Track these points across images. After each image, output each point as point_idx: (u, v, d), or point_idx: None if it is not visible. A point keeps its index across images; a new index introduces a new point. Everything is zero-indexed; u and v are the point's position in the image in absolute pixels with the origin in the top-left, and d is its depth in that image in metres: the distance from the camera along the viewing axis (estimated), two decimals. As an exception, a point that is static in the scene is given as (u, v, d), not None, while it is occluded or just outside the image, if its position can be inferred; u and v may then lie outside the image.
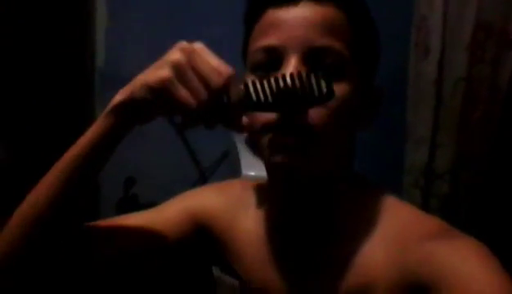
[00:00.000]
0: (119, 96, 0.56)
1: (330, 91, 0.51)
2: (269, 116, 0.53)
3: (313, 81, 0.51)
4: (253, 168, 1.28)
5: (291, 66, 0.53)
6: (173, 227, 0.66)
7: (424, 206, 1.52)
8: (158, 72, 0.52)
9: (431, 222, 0.57)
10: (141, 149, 1.74)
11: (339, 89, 0.53)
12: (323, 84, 0.51)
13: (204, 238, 0.68)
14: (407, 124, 1.56)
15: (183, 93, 0.49)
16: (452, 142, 1.48)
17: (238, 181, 0.75)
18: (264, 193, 0.68)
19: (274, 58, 0.55)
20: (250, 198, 0.69)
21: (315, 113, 0.53)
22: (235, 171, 1.38)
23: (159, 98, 0.51)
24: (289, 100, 0.51)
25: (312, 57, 0.54)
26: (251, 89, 0.51)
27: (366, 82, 0.59)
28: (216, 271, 0.73)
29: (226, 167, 1.66)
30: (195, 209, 0.68)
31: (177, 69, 0.50)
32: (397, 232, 0.57)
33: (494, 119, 1.43)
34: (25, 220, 0.57)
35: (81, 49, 1.65)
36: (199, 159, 1.67)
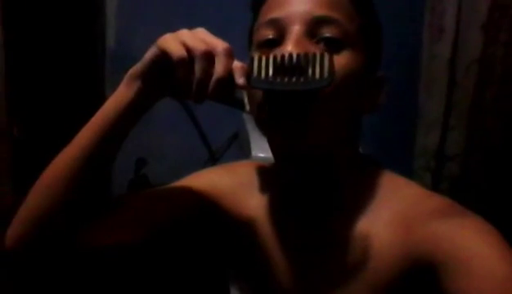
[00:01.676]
0: (148, 54, 0.59)
1: (331, 75, 0.50)
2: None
3: (316, 62, 0.51)
4: (263, 150, 1.28)
5: (293, 39, 0.54)
6: (180, 205, 0.67)
7: (435, 189, 1.51)
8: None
9: (437, 200, 0.57)
10: (151, 131, 1.75)
11: (341, 59, 0.55)
12: (326, 66, 0.50)
13: (212, 217, 0.69)
14: (419, 106, 1.55)
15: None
16: (464, 124, 1.46)
17: (246, 162, 0.76)
18: (271, 174, 0.69)
19: (277, 32, 0.56)
20: (257, 179, 0.70)
21: None
22: (245, 153, 1.38)
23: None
24: (288, 81, 0.51)
25: (313, 28, 0.55)
26: (255, 65, 0.51)
27: (371, 61, 0.60)
28: (231, 274, 0.73)
29: (236, 149, 1.66)
30: (203, 188, 0.69)
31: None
32: (402, 210, 0.57)
33: (507, 101, 1.41)
34: (54, 180, 0.58)
35: (92, 29, 1.65)
36: (210, 141, 1.67)
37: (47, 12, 1.38)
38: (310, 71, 0.51)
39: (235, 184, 0.70)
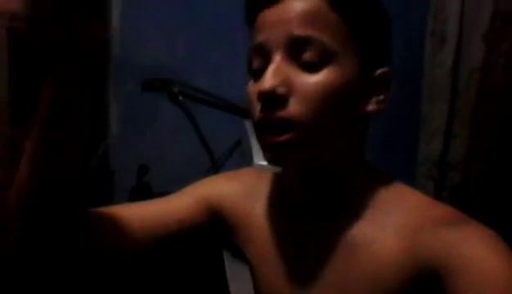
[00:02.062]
0: None
1: None
2: (255, 114, 0.57)
3: None
4: (266, 158, 1.28)
5: (271, 70, 0.55)
6: (188, 214, 0.68)
7: (437, 197, 1.51)
8: None
9: (442, 209, 0.57)
10: (154, 138, 1.75)
11: (321, 77, 0.54)
12: None
13: (216, 223, 0.70)
14: (422, 115, 1.55)
15: None
16: (466, 132, 1.46)
17: (250, 170, 0.76)
18: (276, 181, 0.69)
19: (263, 59, 0.57)
20: (262, 186, 0.70)
21: (293, 106, 0.54)
22: (247, 161, 1.38)
23: None
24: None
25: (293, 50, 0.55)
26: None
27: (368, 66, 0.59)
28: (227, 256, 0.74)
29: (238, 157, 1.66)
30: (208, 196, 0.70)
31: None
32: (408, 219, 0.57)
33: (508, 109, 1.41)
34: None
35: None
36: (212, 148, 1.67)
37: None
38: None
39: (239, 191, 0.70)
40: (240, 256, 0.70)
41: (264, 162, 1.27)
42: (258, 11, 0.59)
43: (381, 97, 0.60)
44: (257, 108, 0.56)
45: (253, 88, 0.58)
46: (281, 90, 0.54)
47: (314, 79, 0.54)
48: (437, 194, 1.52)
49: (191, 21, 1.71)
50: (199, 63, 1.69)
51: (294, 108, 0.54)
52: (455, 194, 1.48)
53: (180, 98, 1.41)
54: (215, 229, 0.70)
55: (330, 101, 0.55)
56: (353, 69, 0.56)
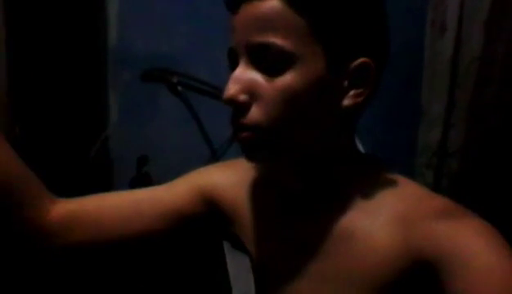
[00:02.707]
0: None
1: None
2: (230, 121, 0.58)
3: None
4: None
5: (236, 71, 0.56)
6: (183, 202, 0.69)
7: (437, 185, 1.51)
8: None
9: (437, 200, 0.57)
10: (153, 128, 1.75)
11: (281, 82, 0.54)
12: None
13: (213, 213, 0.70)
14: (422, 103, 1.55)
15: None
16: (465, 121, 1.46)
17: (244, 159, 0.76)
18: (272, 171, 0.69)
19: (234, 61, 0.58)
20: (257, 176, 0.70)
21: (253, 113, 0.55)
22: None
23: None
24: None
25: (253, 56, 0.55)
26: None
27: (339, 61, 0.56)
28: (226, 247, 0.74)
29: (237, 147, 1.66)
30: (204, 185, 0.70)
31: None
32: (403, 210, 0.57)
33: (507, 98, 1.41)
34: None
35: (93, 29, 1.65)
36: (212, 139, 1.67)
37: (49, 11, 1.38)
38: None
39: (235, 181, 0.71)
40: (240, 246, 0.70)
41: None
42: (231, 12, 0.59)
43: (360, 90, 0.57)
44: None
45: None
46: (242, 97, 0.55)
47: (274, 84, 0.54)
48: (437, 183, 1.52)
49: (191, 10, 1.70)
50: (198, 53, 1.69)
51: (253, 114, 0.55)
52: (453, 182, 1.49)
53: (179, 88, 1.41)
54: (212, 219, 0.71)
55: (290, 104, 0.54)
56: (318, 66, 0.54)
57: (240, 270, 0.71)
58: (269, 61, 0.54)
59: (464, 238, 0.50)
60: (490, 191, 1.43)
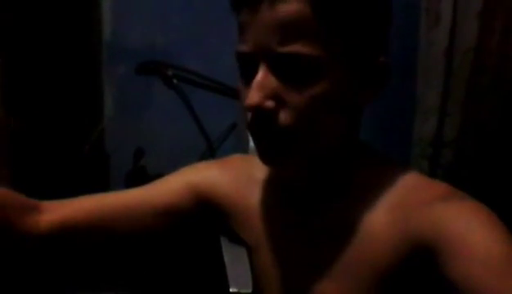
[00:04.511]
0: None
1: None
2: (247, 120, 0.56)
3: None
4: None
5: (259, 77, 0.53)
6: (175, 200, 0.69)
7: (432, 176, 1.52)
8: None
9: (436, 186, 0.58)
10: (149, 121, 1.75)
11: (312, 90, 0.53)
12: None
13: (208, 209, 0.70)
14: (417, 94, 1.55)
15: None
16: (460, 111, 1.46)
17: (239, 156, 0.76)
18: (269, 168, 0.69)
19: (250, 64, 0.54)
20: (256, 172, 0.70)
21: (284, 120, 0.54)
22: (242, 143, 1.38)
23: None
24: None
25: (278, 64, 0.53)
26: None
27: (360, 62, 0.56)
28: (224, 241, 0.74)
29: (234, 139, 1.66)
30: (197, 183, 0.70)
31: None
32: (401, 196, 0.57)
33: (501, 89, 1.41)
34: None
35: (87, 22, 1.64)
36: (208, 131, 1.67)
37: (43, 5, 1.37)
38: None
39: (231, 179, 0.70)
40: (238, 240, 0.71)
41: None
42: (241, 9, 0.55)
43: (376, 88, 0.58)
44: (248, 115, 0.55)
45: (243, 92, 0.56)
46: (269, 104, 0.53)
47: (303, 92, 0.53)
48: (432, 173, 1.53)
49: (185, 3, 1.69)
50: (193, 45, 1.68)
51: (283, 120, 0.54)
52: (449, 172, 1.50)
53: (174, 81, 1.40)
54: (206, 216, 0.71)
55: (319, 109, 0.54)
56: (343, 70, 0.54)
57: (237, 265, 0.71)
58: (296, 71, 0.52)
59: (462, 222, 0.50)
60: (485, 181, 1.43)
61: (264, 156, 0.57)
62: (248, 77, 0.55)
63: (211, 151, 1.67)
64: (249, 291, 0.68)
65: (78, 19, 1.56)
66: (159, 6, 1.67)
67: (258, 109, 0.53)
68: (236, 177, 0.70)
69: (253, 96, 0.52)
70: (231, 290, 0.69)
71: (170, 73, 1.41)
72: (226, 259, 0.72)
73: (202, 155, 1.63)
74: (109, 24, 1.72)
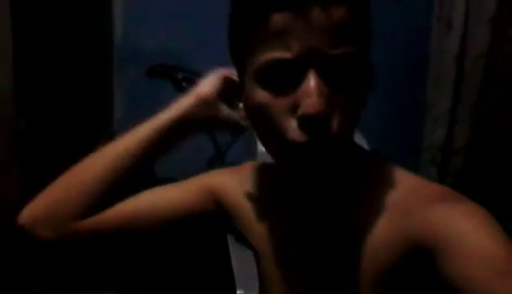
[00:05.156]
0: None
1: None
2: (296, 135, 0.52)
3: None
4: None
5: (313, 83, 0.50)
6: (194, 202, 0.70)
7: (441, 183, 1.51)
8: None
9: (433, 187, 0.58)
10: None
11: (354, 95, 0.53)
12: None
13: (219, 210, 0.71)
14: (427, 101, 1.54)
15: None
16: (471, 118, 1.46)
17: (250, 163, 0.78)
18: (275, 173, 0.70)
19: (291, 71, 0.51)
20: (263, 179, 0.71)
21: (335, 127, 0.52)
22: (250, 148, 1.38)
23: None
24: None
25: (329, 68, 0.50)
26: None
27: (366, 65, 0.56)
28: (231, 241, 0.75)
29: (241, 143, 1.67)
30: (213, 186, 0.72)
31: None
32: (399, 198, 0.57)
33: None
34: (69, 187, 0.66)
35: (99, 25, 1.65)
36: (216, 135, 1.67)
37: (55, 8, 1.39)
38: None
39: (239, 183, 0.72)
40: (245, 242, 0.71)
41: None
42: (271, 12, 0.51)
43: (368, 90, 0.58)
44: (290, 126, 0.52)
45: (276, 103, 0.52)
46: (326, 112, 0.51)
47: (348, 97, 0.52)
48: (441, 180, 1.52)
49: (196, 7, 1.70)
50: (203, 49, 1.69)
51: (336, 128, 0.52)
52: (458, 179, 1.49)
53: (184, 84, 1.41)
54: (218, 216, 0.72)
55: (357, 115, 0.55)
56: (365, 72, 0.55)
57: (244, 263, 0.72)
58: (345, 74, 0.51)
59: (460, 222, 0.51)
60: (494, 188, 1.42)
61: (312, 164, 0.54)
62: (284, 85, 0.52)
63: (219, 154, 1.67)
64: (256, 293, 0.68)
65: (89, 22, 1.57)
66: (171, 10, 1.68)
67: (317, 117, 0.50)
68: (242, 182, 0.72)
69: (317, 104, 0.50)
70: (238, 292, 0.69)
71: (180, 76, 1.41)
72: (233, 261, 0.73)
73: (210, 158, 1.64)
74: (120, 27, 1.73)
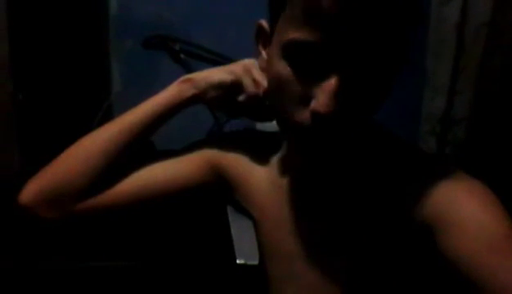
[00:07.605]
0: (218, 76, 0.69)
1: None
2: (303, 118, 0.51)
3: None
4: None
5: (332, 83, 0.48)
6: (194, 174, 0.72)
7: (440, 153, 1.51)
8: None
9: (435, 164, 0.58)
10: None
11: (381, 83, 0.52)
12: None
13: (220, 180, 0.72)
14: (427, 70, 1.53)
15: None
16: (472, 89, 1.45)
17: (248, 130, 0.78)
18: (274, 142, 0.70)
19: (313, 53, 0.48)
20: (262, 147, 0.71)
21: (349, 119, 0.52)
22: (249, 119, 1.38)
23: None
24: None
25: (358, 64, 0.48)
26: None
27: None
28: (230, 211, 0.76)
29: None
30: (213, 156, 0.73)
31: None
32: (403, 173, 0.58)
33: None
34: (74, 159, 0.67)
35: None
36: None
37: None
38: None
39: (240, 153, 0.72)
40: (244, 211, 0.72)
41: (266, 123, 1.27)
42: None
43: None
44: (299, 109, 0.51)
45: (293, 83, 0.51)
46: (338, 111, 0.49)
47: (371, 87, 0.51)
48: (440, 150, 1.52)
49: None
50: (201, 19, 1.66)
51: (347, 123, 0.52)
52: (458, 150, 1.49)
53: (181, 56, 1.40)
54: (218, 186, 0.73)
55: (383, 100, 0.55)
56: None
57: (243, 234, 0.72)
58: (373, 73, 0.49)
59: (461, 200, 0.51)
60: (495, 159, 1.43)
61: (317, 146, 0.54)
62: (307, 65, 0.49)
63: (218, 126, 1.66)
64: (256, 263, 0.69)
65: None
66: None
67: (327, 115, 0.49)
68: (244, 152, 0.72)
69: (330, 105, 0.48)
70: (237, 261, 0.70)
71: (177, 47, 1.40)
72: (232, 231, 0.74)
73: (210, 130, 1.63)
74: (115, 0, 1.71)
